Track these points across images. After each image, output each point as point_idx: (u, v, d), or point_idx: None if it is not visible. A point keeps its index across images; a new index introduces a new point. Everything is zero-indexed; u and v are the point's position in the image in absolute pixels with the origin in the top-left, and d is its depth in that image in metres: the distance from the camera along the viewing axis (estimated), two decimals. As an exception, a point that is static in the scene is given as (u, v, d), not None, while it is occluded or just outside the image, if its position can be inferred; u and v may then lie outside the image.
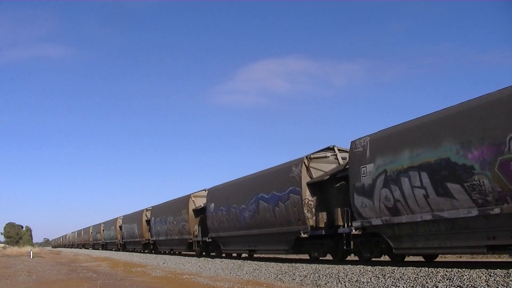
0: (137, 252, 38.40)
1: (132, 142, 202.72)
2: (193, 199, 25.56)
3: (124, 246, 42.58)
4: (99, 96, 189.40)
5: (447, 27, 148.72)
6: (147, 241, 34.42)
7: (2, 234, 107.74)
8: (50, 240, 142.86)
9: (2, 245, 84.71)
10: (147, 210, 35.21)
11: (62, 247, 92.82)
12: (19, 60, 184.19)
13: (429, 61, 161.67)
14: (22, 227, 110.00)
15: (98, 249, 54.66)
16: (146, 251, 36.40)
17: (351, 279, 10.90)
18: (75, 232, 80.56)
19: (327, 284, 11.07)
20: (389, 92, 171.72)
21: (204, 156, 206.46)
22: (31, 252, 39.62)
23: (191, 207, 25.30)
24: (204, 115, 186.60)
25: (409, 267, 10.88)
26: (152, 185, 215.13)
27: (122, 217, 43.55)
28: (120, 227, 43.30)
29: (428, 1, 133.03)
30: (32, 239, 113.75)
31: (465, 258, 19.13)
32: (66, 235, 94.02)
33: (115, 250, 45.88)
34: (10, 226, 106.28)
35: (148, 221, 34.02)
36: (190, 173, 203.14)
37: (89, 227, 63.70)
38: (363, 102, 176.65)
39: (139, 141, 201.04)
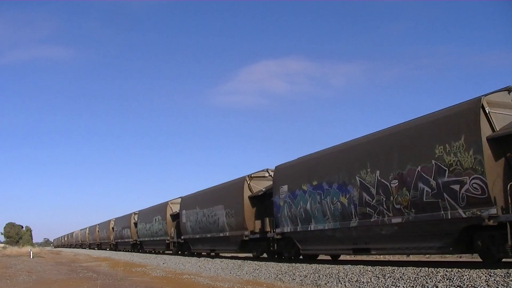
0: (228, 258, 21.42)
1: (132, 142, 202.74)
2: None
3: (183, 247, 27.30)
4: (99, 97, 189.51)
5: (445, 29, 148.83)
6: (256, 235, 18.32)
7: (2, 234, 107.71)
8: (52, 240, 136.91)
9: (2, 245, 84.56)
10: (251, 177, 19.42)
11: (67, 247, 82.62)
12: (19, 62, 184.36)
13: (427, 62, 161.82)
14: (22, 227, 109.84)
15: (124, 251, 41.15)
16: (253, 253, 19.65)
17: (351, 279, 10.90)
18: (86, 228, 64.78)
19: (327, 284, 11.06)
20: (387, 93, 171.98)
21: (204, 157, 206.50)
22: (31, 252, 39.58)
23: None
24: (204, 115, 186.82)
25: (409, 267, 10.87)
26: (151, 185, 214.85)
27: (179, 199, 27.31)
28: (174, 215, 28.11)
29: (426, 3, 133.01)
30: (32, 239, 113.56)
31: (465, 258, 19.15)
32: (73, 232, 78.72)
33: (161, 253, 32.17)
34: (10, 226, 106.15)
35: (255, 199, 18.81)
36: (190, 174, 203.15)
37: (109, 220, 47.99)
38: (362, 102, 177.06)
39: (139, 142, 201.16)
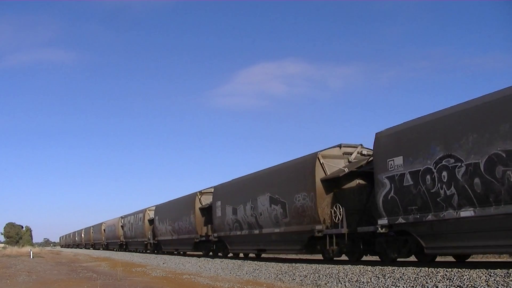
0: (263, 260, 18.37)
1: (132, 143, 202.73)
2: None
3: (216, 246, 23.34)
4: (99, 98, 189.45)
5: (443, 30, 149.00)
6: (339, 230, 13.64)
7: (2, 234, 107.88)
8: (58, 238, 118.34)
9: (2, 245, 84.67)
10: (324, 155, 15.03)
11: (80, 248, 68.25)
12: (21, 64, 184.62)
13: (425, 64, 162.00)
14: (22, 227, 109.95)
15: (137, 252, 35.00)
16: (327, 253, 15.11)
17: (351, 279, 10.90)
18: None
19: (327, 284, 11.06)
20: (385, 94, 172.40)
21: (203, 158, 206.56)
22: (31, 252, 39.59)
23: None
24: (203, 117, 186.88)
25: (409, 267, 10.87)
26: (151, 185, 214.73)
27: (212, 189, 23.18)
28: (205, 209, 23.59)
29: (424, 4, 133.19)
30: (32, 239, 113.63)
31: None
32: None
33: (183, 254, 27.43)
34: (10, 226, 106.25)
35: (330, 182, 14.47)
36: (190, 174, 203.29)
37: (117, 218, 39.12)
38: (359, 104, 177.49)
39: (139, 142, 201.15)
